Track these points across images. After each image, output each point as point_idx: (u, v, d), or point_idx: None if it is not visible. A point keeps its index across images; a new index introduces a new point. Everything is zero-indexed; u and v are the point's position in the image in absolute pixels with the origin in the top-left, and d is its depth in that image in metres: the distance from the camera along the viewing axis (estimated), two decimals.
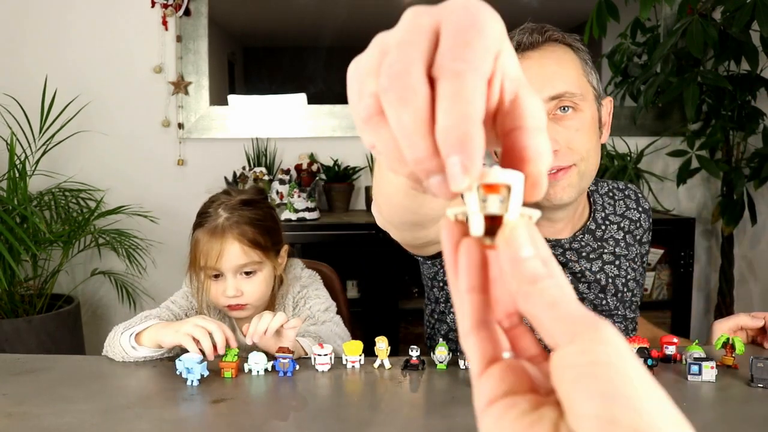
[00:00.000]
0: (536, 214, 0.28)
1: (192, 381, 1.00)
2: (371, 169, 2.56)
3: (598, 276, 1.18)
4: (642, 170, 2.48)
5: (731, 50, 2.14)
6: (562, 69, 1.03)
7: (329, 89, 2.69)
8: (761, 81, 2.22)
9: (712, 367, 1.01)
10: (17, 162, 2.16)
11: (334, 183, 2.49)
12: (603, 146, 2.49)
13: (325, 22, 2.67)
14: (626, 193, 1.26)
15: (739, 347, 1.05)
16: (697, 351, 1.06)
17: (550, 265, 0.27)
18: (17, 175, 2.14)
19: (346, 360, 1.09)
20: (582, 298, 1.19)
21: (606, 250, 1.19)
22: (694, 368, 1.01)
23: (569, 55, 1.05)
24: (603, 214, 1.22)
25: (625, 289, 1.21)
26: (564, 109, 1.03)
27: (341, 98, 2.63)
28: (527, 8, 2.73)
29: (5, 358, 1.19)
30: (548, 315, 0.24)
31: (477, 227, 0.29)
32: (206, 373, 1.02)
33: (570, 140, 1.03)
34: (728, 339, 1.06)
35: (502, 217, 0.28)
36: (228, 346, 1.05)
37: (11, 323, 2.04)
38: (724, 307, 2.44)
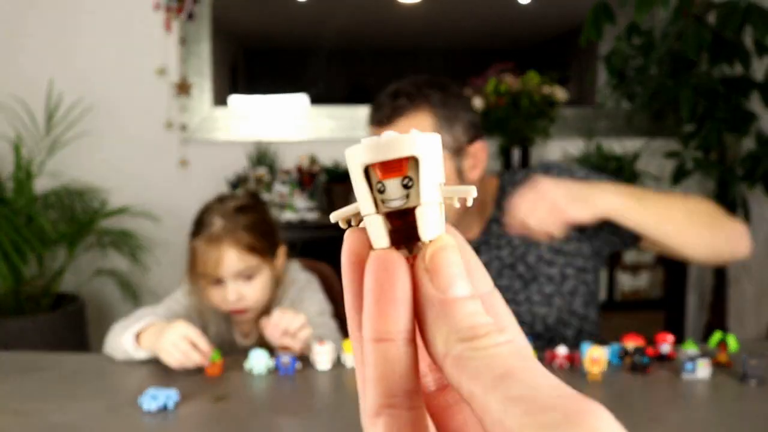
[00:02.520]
0: (471, 192, 0.20)
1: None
2: None
3: (507, 261, 1.25)
4: (637, 171, 2.49)
5: (725, 53, 2.16)
6: None
7: (330, 91, 2.71)
8: (754, 84, 2.24)
9: (706, 365, 1.03)
10: (23, 163, 2.18)
11: (335, 184, 2.51)
12: (598, 148, 2.52)
13: (325, 24, 2.69)
14: (540, 172, 1.26)
15: (733, 345, 1.07)
16: (691, 349, 1.08)
17: (497, 309, 0.19)
18: (23, 176, 2.16)
19: (347, 358, 1.11)
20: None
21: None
22: (689, 366, 1.03)
23: (419, 126, 1.15)
24: (506, 198, 1.24)
25: (541, 264, 1.23)
26: None
27: (341, 100, 2.65)
28: (524, 12, 2.75)
29: (12, 355, 1.22)
30: (497, 394, 0.16)
31: (378, 236, 0.19)
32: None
33: None
34: (722, 337, 1.07)
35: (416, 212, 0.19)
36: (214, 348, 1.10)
37: (17, 322, 2.06)
38: (719, 306, 2.46)
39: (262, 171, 2.44)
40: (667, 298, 2.45)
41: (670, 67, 2.29)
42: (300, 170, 2.47)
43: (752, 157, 2.28)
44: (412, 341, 0.19)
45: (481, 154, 1.21)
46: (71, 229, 2.25)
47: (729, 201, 2.33)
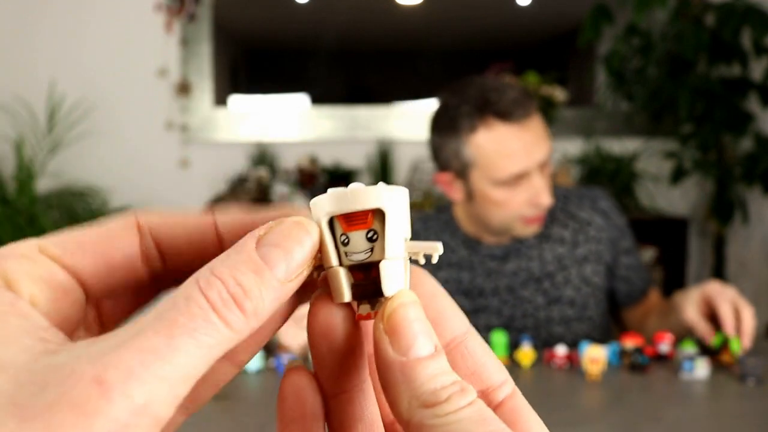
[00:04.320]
0: (437, 249, 0.19)
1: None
2: (372, 171, 2.59)
3: (535, 273, 1.25)
4: (635, 171, 2.50)
5: (723, 53, 2.18)
6: (544, 134, 1.15)
7: (330, 91, 2.72)
8: (752, 84, 2.25)
9: (704, 364, 1.03)
10: (25, 163, 2.20)
11: (335, 184, 2.52)
12: (596, 148, 2.55)
13: (326, 25, 2.70)
14: (581, 196, 1.30)
15: (735, 346, 1.07)
16: (690, 348, 1.09)
17: (471, 350, 0.19)
18: (25, 176, 2.17)
19: None
20: (516, 296, 1.25)
21: (546, 247, 1.25)
22: (687, 365, 1.04)
23: (542, 124, 1.16)
24: (547, 214, 1.27)
25: (568, 287, 1.24)
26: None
27: (341, 100, 2.67)
28: (523, 12, 2.76)
29: None
30: None
31: (339, 290, 0.19)
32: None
33: (548, 185, 1.17)
34: (725, 339, 1.08)
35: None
36: None
37: None
38: None
39: (262, 171, 2.45)
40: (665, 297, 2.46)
41: (669, 68, 2.30)
42: (300, 170, 2.48)
43: (750, 157, 2.29)
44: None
45: None
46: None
47: (727, 201, 2.34)
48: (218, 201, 1.32)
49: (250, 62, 2.83)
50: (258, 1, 2.71)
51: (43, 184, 2.34)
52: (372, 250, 0.19)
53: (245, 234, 0.18)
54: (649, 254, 2.45)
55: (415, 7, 2.70)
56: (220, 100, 2.59)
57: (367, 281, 0.19)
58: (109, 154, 2.52)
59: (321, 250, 0.19)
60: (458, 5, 2.72)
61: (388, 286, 0.18)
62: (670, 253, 2.39)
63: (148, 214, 0.21)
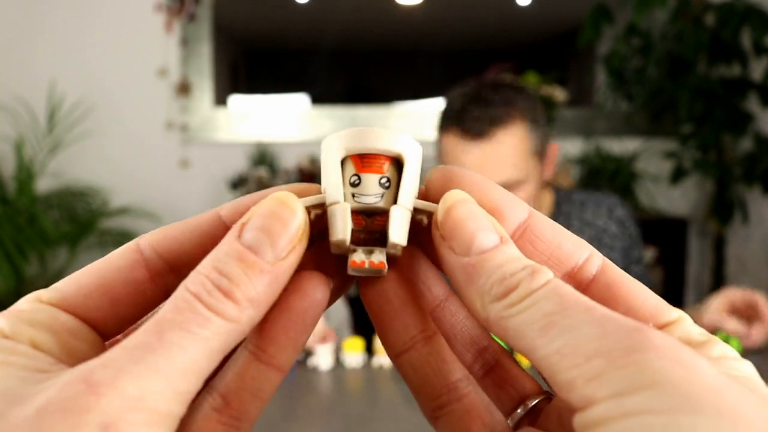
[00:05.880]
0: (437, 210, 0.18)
1: None
2: None
3: None
4: (635, 171, 2.51)
5: (723, 54, 2.18)
6: (507, 159, 1.07)
7: (330, 91, 2.72)
8: (752, 84, 2.26)
9: None
10: (25, 163, 2.20)
11: None
12: (596, 148, 2.55)
13: (326, 25, 2.71)
14: (598, 203, 1.30)
15: (734, 347, 1.07)
16: None
17: (539, 233, 0.18)
18: (25, 176, 2.18)
19: (347, 358, 1.12)
20: None
21: None
22: None
23: (516, 136, 1.08)
24: (561, 219, 1.26)
25: None
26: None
27: (341, 100, 2.67)
28: (523, 12, 2.76)
29: None
30: (544, 351, 0.15)
31: (340, 227, 0.18)
32: None
33: None
34: (725, 338, 1.08)
35: (386, 218, 0.18)
36: None
37: None
38: None
39: (262, 171, 2.45)
40: (665, 297, 2.44)
41: (669, 68, 2.31)
42: (300, 170, 2.48)
43: (750, 157, 2.29)
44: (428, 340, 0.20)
45: (554, 153, 1.20)
46: (73, 229, 2.26)
47: (727, 201, 2.34)
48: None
49: (250, 62, 2.83)
50: (258, 1, 2.71)
51: (43, 184, 2.35)
52: (382, 196, 0.18)
53: None
54: (649, 254, 2.45)
55: (415, 7, 2.70)
56: (220, 100, 2.59)
57: (368, 228, 0.18)
58: (109, 154, 2.52)
59: (326, 185, 0.18)
60: (458, 5, 2.72)
61: (395, 232, 0.18)
62: (670, 253, 2.40)
63: (148, 234, 0.21)
